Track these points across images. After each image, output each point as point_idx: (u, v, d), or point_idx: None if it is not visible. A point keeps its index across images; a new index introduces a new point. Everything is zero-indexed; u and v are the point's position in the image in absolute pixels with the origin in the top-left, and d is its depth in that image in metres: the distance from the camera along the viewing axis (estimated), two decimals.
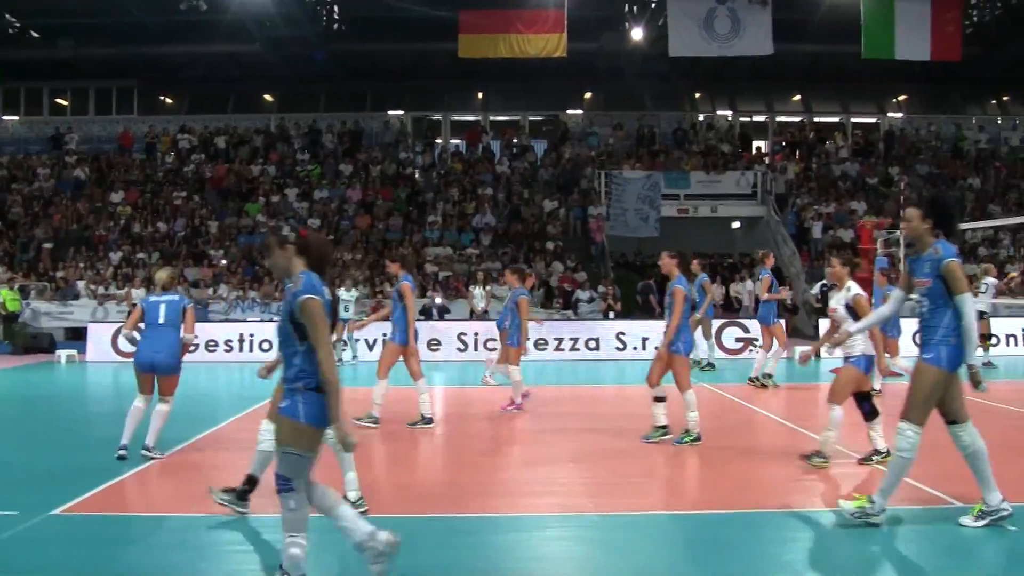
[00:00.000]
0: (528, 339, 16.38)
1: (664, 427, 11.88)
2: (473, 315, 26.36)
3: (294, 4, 31.70)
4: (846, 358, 10.17)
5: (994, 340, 22.64)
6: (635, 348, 24.39)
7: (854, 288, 10.19)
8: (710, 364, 20.84)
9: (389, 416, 13.33)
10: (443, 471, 11.04)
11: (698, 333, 19.49)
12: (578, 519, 8.30)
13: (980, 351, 21.95)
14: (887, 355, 14.19)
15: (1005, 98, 43.66)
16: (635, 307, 29.94)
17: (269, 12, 31.61)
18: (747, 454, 11.25)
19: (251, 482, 8.44)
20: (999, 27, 36.85)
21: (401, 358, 13.03)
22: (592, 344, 24.65)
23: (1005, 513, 7.82)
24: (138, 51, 36.24)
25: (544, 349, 24.15)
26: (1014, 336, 25.09)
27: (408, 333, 12.81)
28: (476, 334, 24.30)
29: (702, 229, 36.18)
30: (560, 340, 24.45)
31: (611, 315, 27.35)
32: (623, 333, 24.85)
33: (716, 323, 24.25)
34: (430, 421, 13.18)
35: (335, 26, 36.89)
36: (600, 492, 9.23)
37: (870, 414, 10.31)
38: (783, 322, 20.01)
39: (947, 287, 7.75)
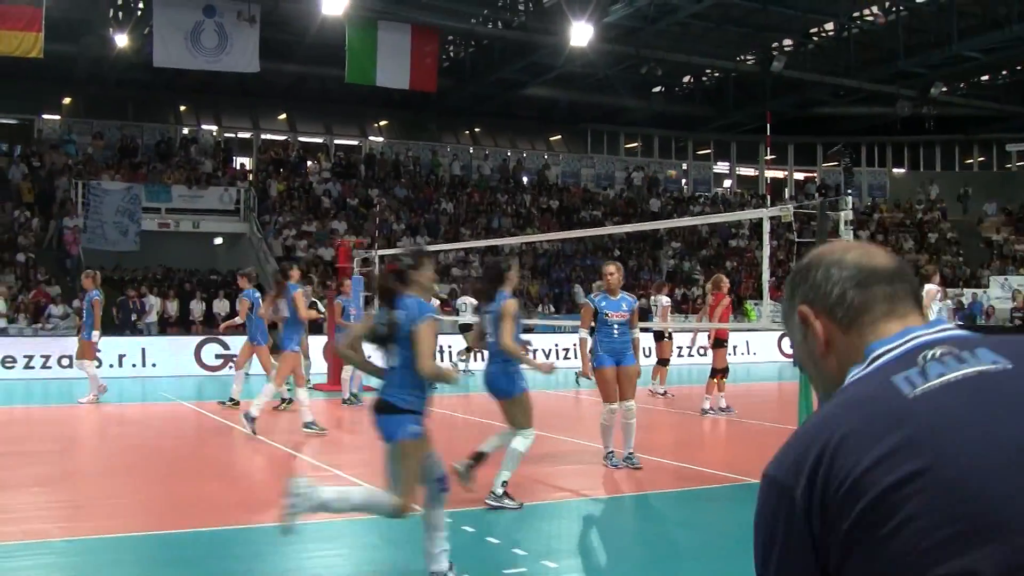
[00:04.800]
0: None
1: None
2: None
3: None
4: None
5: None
6: (111, 365, 23.70)
7: None
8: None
9: None
10: None
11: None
12: (43, 546, 7.96)
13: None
14: None
15: (477, 129, 46.44)
16: (112, 322, 28.98)
17: None
18: (225, 473, 11.26)
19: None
20: (472, 63, 39.17)
21: None
22: (65, 361, 23.65)
23: None
24: None
25: (12, 367, 22.89)
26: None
27: None
28: None
29: (184, 244, 35.64)
30: (30, 357, 23.27)
31: None
32: (98, 349, 24.04)
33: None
34: None
35: None
36: (67, 516, 8.92)
37: None
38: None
39: None
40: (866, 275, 1.85)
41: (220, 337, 25.28)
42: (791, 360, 15.66)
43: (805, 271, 1.91)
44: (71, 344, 24.11)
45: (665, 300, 20.73)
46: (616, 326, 11.17)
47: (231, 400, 17.25)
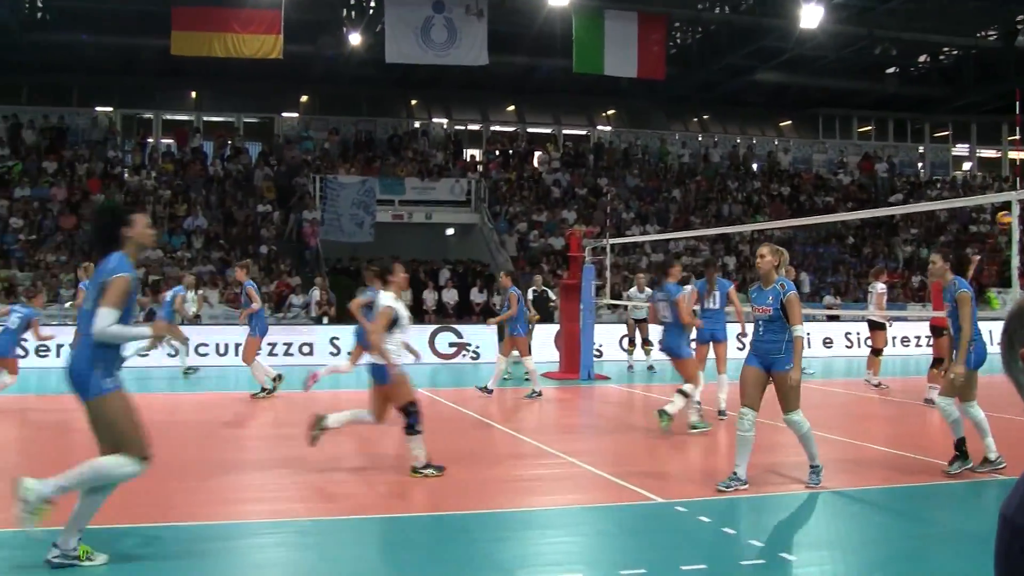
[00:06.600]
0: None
1: None
2: (184, 320, 25.69)
3: None
4: None
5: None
6: (349, 353, 24.34)
7: None
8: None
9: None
10: (148, 479, 10.66)
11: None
12: (290, 525, 8.24)
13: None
14: None
15: (705, 116, 45.88)
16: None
17: None
18: (462, 458, 11.43)
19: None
20: (700, 49, 38.74)
21: None
22: (306, 349, 24.49)
23: None
24: None
25: (257, 354, 23.77)
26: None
27: None
28: (187, 339, 23.64)
29: (417, 235, 36.43)
30: (273, 345, 24.16)
31: (325, 320, 27.20)
32: (337, 338, 24.79)
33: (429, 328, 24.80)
34: None
35: (38, 15, 35.21)
36: (310, 497, 9.20)
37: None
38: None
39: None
40: None
41: (453, 326, 25.81)
42: None
43: (1019, 316, 1.94)
44: (311, 332, 25.05)
45: (880, 287, 19.65)
46: (761, 322, 9.50)
47: (263, 390, 17.61)
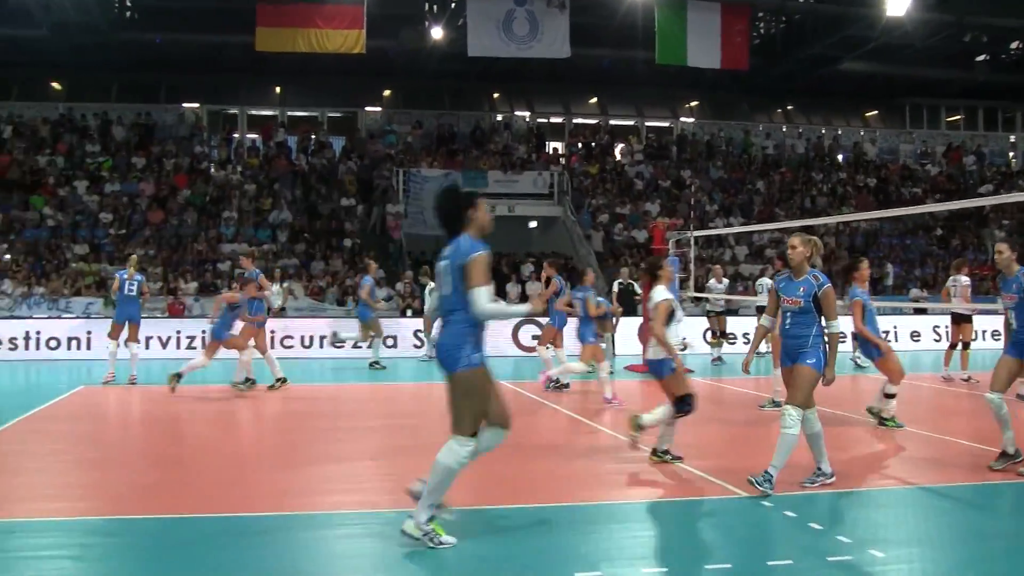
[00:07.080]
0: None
1: None
2: (269, 312, 25.98)
3: None
4: None
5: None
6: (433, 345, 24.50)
7: None
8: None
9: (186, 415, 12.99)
10: (238, 469, 10.83)
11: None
12: (376, 516, 8.30)
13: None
14: None
15: (789, 107, 45.42)
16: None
17: None
18: (544, 451, 11.43)
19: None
20: (784, 40, 38.32)
21: None
22: (389, 341, 24.61)
23: None
24: None
25: (341, 346, 24.00)
26: None
27: None
28: (272, 332, 23.83)
29: (499, 228, 36.16)
30: None
31: (408, 313, 27.33)
32: (420, 330, 24.89)
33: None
34: None
35: (127, 14, 35.79)
36: (398, 489, 9.25)
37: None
38: None
39: None
40: None
41: (537, 319, 25.73)
42: None
43: None
44: (396, 325, 25.14)
45: (965, 280, 19.19)
46: (789, 314, 9.20)
47: (248, 380, 17.45)
